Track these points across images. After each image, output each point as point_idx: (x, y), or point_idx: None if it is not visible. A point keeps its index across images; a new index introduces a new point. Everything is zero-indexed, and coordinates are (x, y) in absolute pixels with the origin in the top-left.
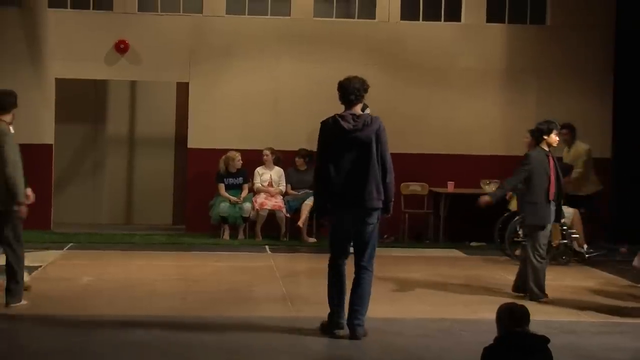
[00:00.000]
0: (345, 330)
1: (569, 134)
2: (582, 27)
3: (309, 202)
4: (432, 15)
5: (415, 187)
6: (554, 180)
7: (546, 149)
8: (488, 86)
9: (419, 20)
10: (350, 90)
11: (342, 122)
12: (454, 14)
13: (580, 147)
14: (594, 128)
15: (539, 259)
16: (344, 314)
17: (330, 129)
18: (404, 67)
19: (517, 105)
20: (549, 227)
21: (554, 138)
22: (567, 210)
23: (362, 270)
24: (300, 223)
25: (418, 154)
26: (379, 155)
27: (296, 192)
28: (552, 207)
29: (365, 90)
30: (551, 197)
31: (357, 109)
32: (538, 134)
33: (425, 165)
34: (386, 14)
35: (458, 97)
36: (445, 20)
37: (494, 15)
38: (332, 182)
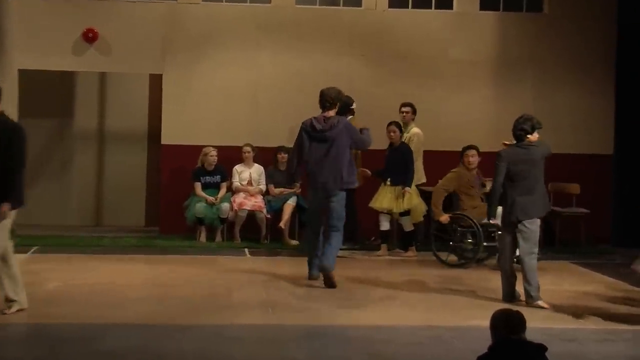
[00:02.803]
0: (315, 279)
1: (411, 113)
2: (582, 15)
3: (291, 203)
4: (421, 2)
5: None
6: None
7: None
8: (481, 78)
9: (408, 7)
10: (326, 98)
11: (315, 123)
12: (445, 1)
13: (413, 131)
14: (595, 123)
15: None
16: (312, 268)
17: (307, 127)
18: (392, 58)
19: (512, 98)
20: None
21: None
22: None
23: (330, 229)
24: (282, 224)
25: None
26: (349, 147)
27: (278, 192)
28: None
29: (340, 100)
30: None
31: (330, 113)
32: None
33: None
34: (373, 1)
35: (449, 90)
36: (436, 8)
37: (487, 2)
38: (307, 167)
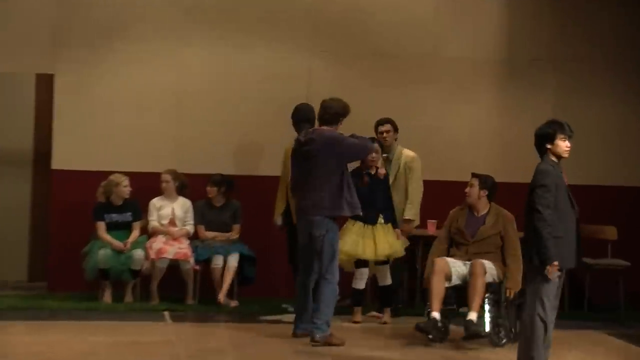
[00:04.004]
0: (297, 334)
1: (392, 131)
2: (615, 3)
3: (234, 262)
4: None
5: None
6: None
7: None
8: (486, 84)
9: None
10: (326, 111)
11: (300, 136)
12: None
13: (406, 154)
14: (634, 144)
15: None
16: (299, 322)
17: (294, 143)
18: (367, 56)
19: (525, 110)
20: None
21: (561, 145)
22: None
23: (320, 279)
24: (220, 297)
25: None
26: (341, 162)
27: (211, 236)
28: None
29: (343, 115)
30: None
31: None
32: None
33: None
34: None
35: (443, 99)
36: None
37: None
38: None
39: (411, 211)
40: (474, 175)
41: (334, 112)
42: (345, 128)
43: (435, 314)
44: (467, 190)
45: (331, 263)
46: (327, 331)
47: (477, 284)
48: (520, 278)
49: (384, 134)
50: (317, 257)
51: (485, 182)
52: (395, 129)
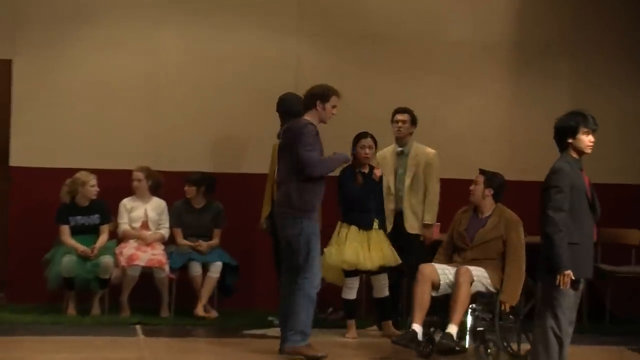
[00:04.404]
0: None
1: (409, 123)
2: None
3: (215, 273)
4: None
5: None
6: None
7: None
8: (496, 71)
9: None
10: (305, 96)
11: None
12: None
13: (423, 150)
14: None
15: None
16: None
17: None
18: (363, 41)
19: (537, 100)
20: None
21: (584, 140)
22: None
23: (293, 284)
24: (198, 310)
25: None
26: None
27: (191, 243)
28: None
29: (322, 98)
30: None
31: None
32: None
33: None
34: None
35: (448, 88)
36: None
37: None
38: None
39: (430, 215)
40: (481, 171)
41: (309, 94)
42: (336, 122)
43: (416, 327)
44: (471, 187)
45: (305, 266)
46: (299, 342)
47: (459, 294)
48: (518, 290)
49: (399, 124)
50: (287, 259)
51: (492, 179)
52: (413, 122)
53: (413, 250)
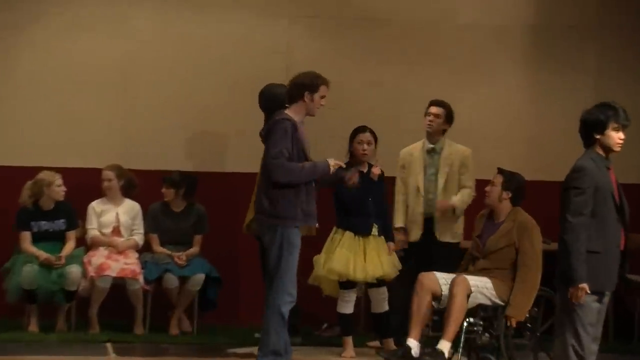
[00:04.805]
0: None
1: (443, 118)
2: None
3: (195, 286)
4: None
5: None
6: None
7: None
8: (512, 57)
9: None
10: (290, 88)
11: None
12: None
13: (457, 148)
14: None
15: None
16: None
17: None
18: (363, 24)
19: (557, 91)
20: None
21: (614, 136)
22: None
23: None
24: (171, 327)
25: (388, 176)
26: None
27: (169, 252)
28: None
29: (310, 88)
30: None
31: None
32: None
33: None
34: None
35: (454, 77)
36: None
37: None
38: None
39: (460, 200)
40: (499, 171)
41: (295, 84)
42: (331, 112)
43: (411, 342)
44: (487, 189)
45: (277, 281)
46: None
47: (452, 306)
48: (527, 305)
49: (431, 117)
50: (269, 271)
51: (511, 181)
52: (448, 118)
53: (445, 261)
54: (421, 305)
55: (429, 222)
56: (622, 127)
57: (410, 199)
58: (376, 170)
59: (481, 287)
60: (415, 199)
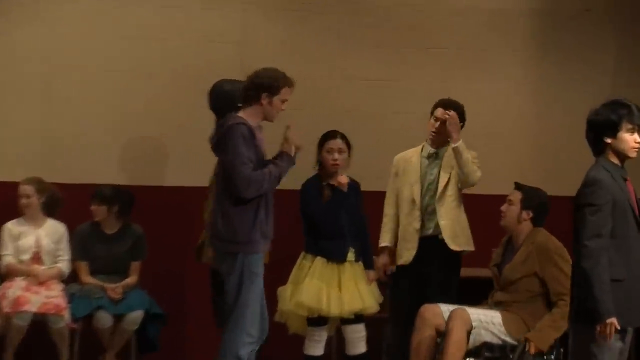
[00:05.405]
0: None
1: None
2: None
3: (132, 325)
4: None
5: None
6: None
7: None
8: (518, 47)
9: None
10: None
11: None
12: None
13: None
14: None
15: None
16: None
17: None
18: (332, 8)
19: (569, 86)
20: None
21: (628, 139)
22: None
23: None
24: None
25: (369, 191)
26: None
27: (101, 283)
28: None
29: (270, 89)
30: None
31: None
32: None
33: (380, 211)
34: None
35: (448, 71)
36: None
37: None
38: None
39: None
40: (517, 186)
41: (252, 83)
42: (296, 116)
43: None
44: (503, 208)
45: (235, 319)
46: None
47: (447, 343)
48: (553, 335)
49: (440, 123)
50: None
51: (531, 198)
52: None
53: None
54: (422, 344)
55: (425, 242)
56: (638, 128)
57: (403, 213)
58: (342, 179)
59: (486, 321)
60: (409, 213)
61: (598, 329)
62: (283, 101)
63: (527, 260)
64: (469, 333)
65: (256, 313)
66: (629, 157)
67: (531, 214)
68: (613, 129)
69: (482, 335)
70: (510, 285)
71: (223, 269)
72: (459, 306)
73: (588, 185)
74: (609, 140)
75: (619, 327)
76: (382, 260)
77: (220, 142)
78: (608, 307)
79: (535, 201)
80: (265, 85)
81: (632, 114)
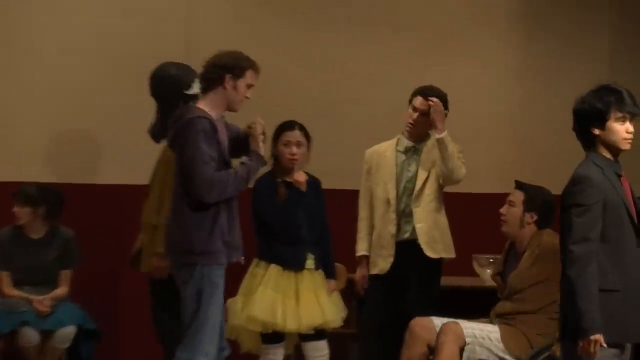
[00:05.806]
0: None
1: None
2: None
3: (63, 342)
4: None
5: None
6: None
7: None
8: (491, 32)
9: None
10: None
11: None
12: None
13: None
14: None
15: None
16: None
17: None
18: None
19: (559, 74)
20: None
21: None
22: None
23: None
24: None
25: (341, 189)
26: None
27: (26, 295)
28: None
29: (233, 70)
30: None
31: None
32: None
33: (354, 212)
34: None
35: (429, 58)
36: None
37: None
38: None
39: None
40: (517, 185)
41: (213, 64)
42: (251, 106)
43: None
44: (503, 211)
45: (188, 331)
46: None
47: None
48: None
49: (417, 114)
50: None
51: (534, 198)
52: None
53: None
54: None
55: (402, 247)
56: (630, 117)
57: (377, 215)
58: (299, 177)
59: (482, 337)
60: (383, 215)
61: (581, 344)
62: (249, 86)
63: (532, 266)
64: (461, 349)
65: (215, 328)
66: (621, 150)
67: (535, 217)
68: (601, 119)
69: (477, 353)
70: (516, 295)
71: (178, 281)
72: (452, 319)
73: (576, 183)
74: (597, 132)
75: (604, 344)
76: (360, 272)
77: (177, 138)
78: (594, 321)
79: (540, 201)
80: (229, 66)
81: (622, 100)
